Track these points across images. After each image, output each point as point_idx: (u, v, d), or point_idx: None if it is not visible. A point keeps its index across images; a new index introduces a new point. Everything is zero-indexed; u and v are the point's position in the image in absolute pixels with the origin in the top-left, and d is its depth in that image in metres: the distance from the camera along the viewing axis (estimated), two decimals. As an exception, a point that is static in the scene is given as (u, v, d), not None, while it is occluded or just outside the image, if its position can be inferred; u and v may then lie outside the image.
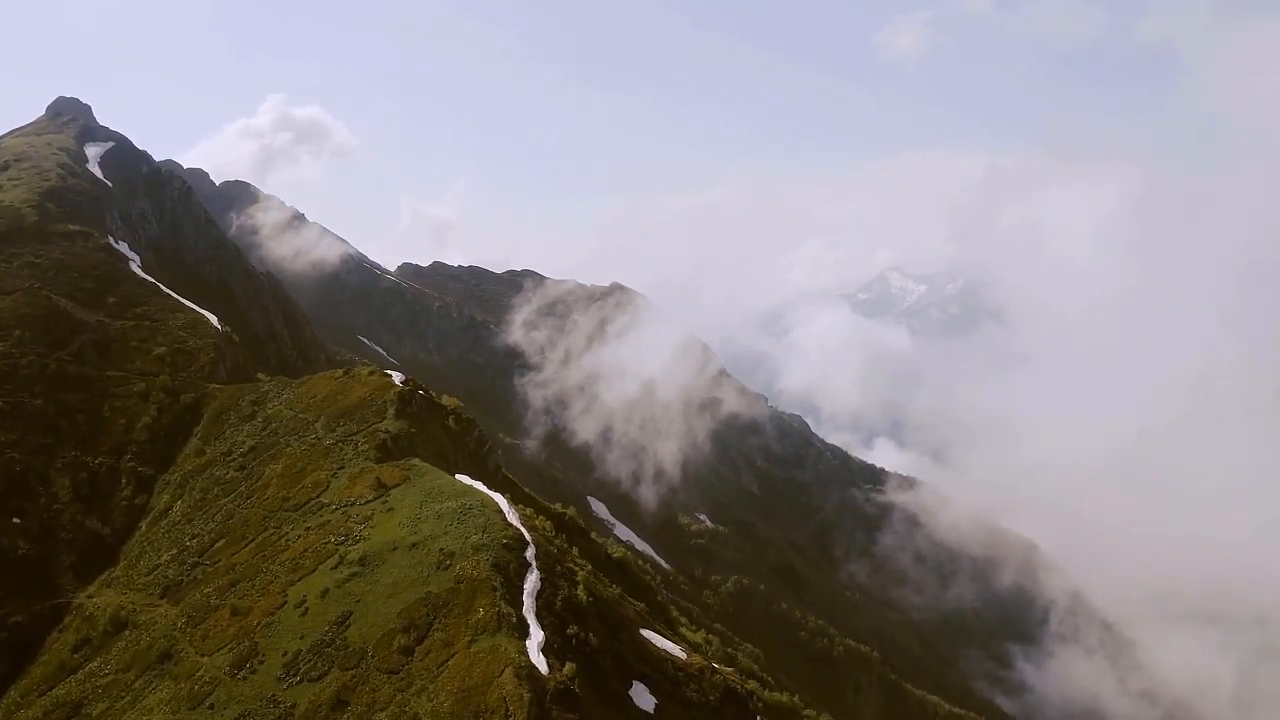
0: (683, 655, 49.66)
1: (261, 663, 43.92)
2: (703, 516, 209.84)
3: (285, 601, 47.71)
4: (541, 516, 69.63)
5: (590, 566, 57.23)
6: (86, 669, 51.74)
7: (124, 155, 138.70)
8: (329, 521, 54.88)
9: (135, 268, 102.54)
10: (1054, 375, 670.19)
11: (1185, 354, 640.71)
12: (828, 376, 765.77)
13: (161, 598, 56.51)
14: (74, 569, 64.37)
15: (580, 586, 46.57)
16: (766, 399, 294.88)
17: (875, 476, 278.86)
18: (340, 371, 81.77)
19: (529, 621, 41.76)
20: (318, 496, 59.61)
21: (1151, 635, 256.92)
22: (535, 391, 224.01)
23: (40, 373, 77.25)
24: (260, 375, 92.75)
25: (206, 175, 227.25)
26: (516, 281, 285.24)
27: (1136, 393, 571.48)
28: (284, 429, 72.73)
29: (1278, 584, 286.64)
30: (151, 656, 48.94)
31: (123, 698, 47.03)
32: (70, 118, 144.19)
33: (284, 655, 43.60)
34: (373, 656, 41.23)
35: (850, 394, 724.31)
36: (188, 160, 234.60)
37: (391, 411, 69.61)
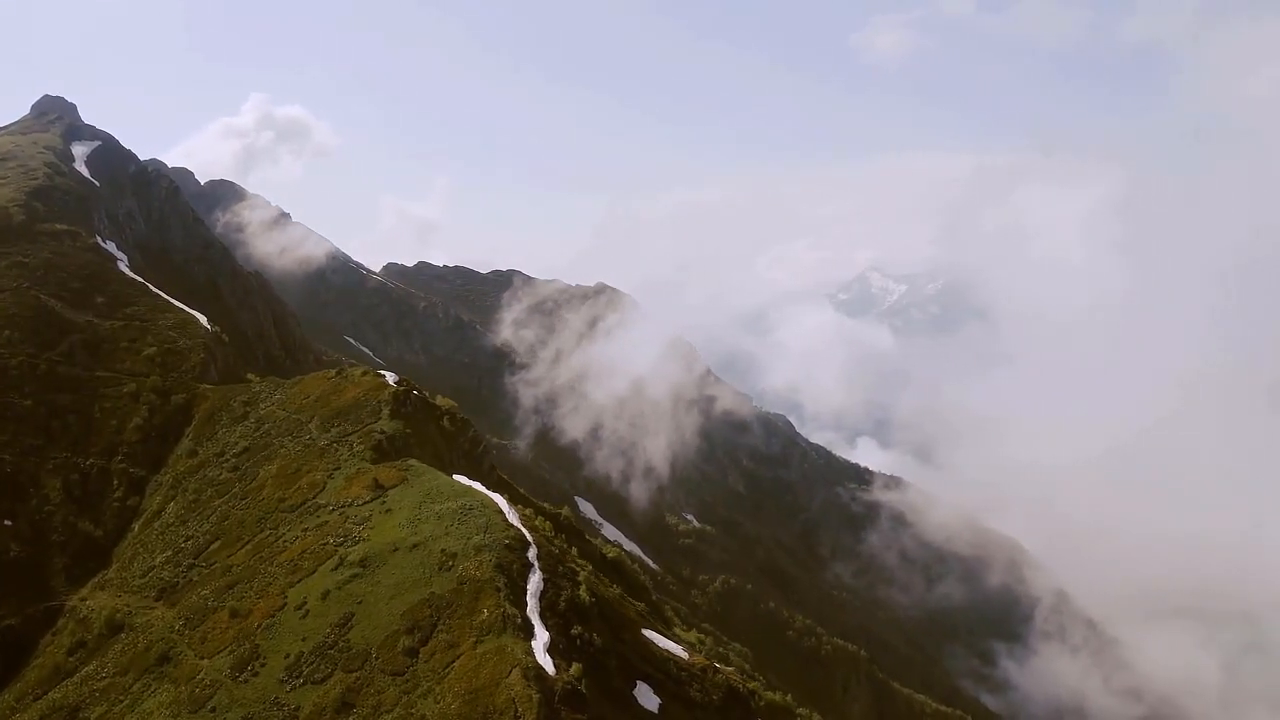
0: (685, 655, 49.77)
1: (263, 665, 43.55)
2: (690, 516, 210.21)
3: (285, 603, 47.35)
4: (540, 517, 69.57)
5: (590, 567, 57.23)
6: (83, 672, 51.23)
7: (110, 154, 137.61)
8: (327, 523, 54.55)
9: (123, 267, 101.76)
10: (1040, 375, 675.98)
11: (1171, 354, 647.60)
12: (811, 376, 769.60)
13: (157, 600, 56.03)
14: (66, 571, 63.94)
15: (583, 587, 46.55)
16: (751, 398, 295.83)
17: (860, 476, 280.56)
18: (333, 372, 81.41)
19: (534, 622, 41.73)
20: (314, 497, 59.22)
21: (1137, 633, 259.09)
22: (526, 390, 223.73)
23: (30, 373, 76.71)
24: (250, 375, 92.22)
25: (191, 174, 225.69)
26: (502, 281, 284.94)
27: (1122, 392, 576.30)
28: (277, 430, 72.32)
29: (1264, 581, 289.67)
30: (150, 659, 48.48)
31: (121, 701, 46.55)
32: (56, 116, 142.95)
33: (286, 657, 43.28)
34: (377, 658, 41.01)
35: (833, 393, 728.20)
36: (170, 159, 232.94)
37: (386, 412, 69.38)
